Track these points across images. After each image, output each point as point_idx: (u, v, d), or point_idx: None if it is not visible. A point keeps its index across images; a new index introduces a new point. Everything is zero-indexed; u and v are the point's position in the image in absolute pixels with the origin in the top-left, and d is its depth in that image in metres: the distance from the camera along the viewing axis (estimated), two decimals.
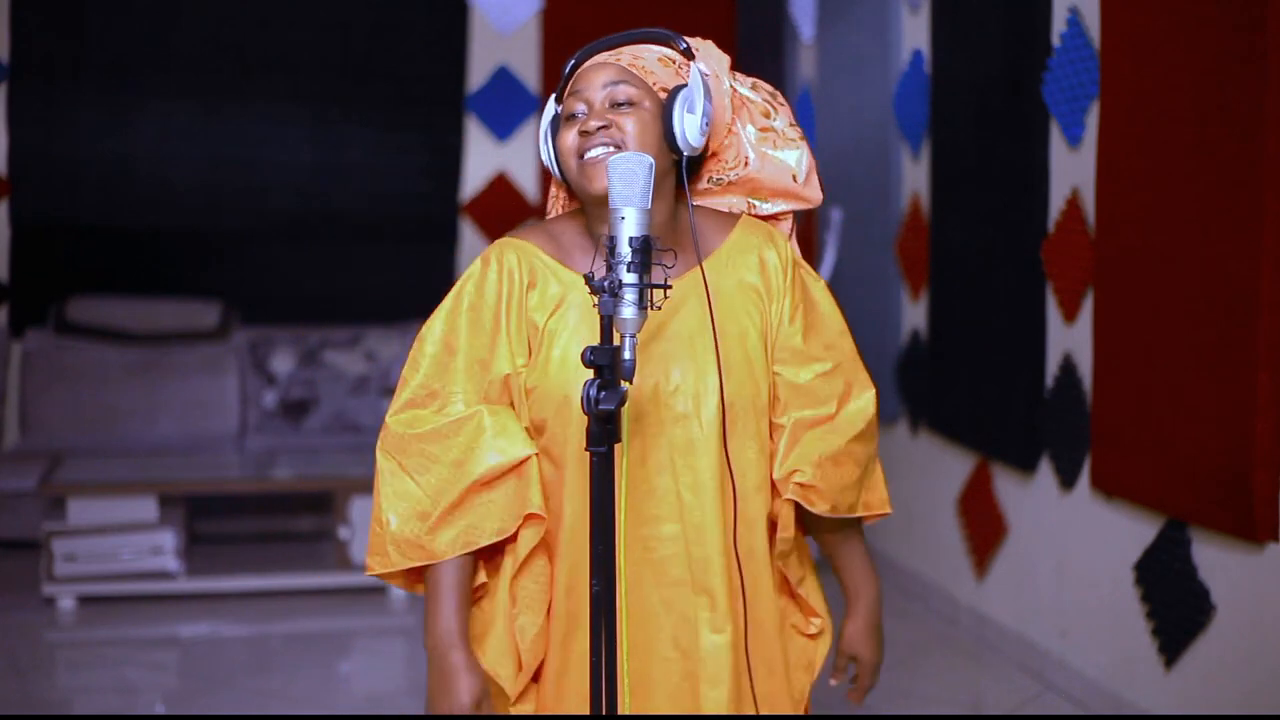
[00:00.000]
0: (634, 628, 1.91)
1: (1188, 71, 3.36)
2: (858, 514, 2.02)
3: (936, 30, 4.84)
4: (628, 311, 1.71)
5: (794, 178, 2.03)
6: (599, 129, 1.88)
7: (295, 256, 6.59)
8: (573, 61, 1.97)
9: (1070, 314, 3.98)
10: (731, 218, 2.01)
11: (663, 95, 1.92)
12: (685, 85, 1.91)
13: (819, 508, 1.94)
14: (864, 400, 2.01)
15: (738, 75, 2.06)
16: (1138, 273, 3.60)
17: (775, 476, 1.95)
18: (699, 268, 1.90)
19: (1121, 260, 3.68)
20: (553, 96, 2.00)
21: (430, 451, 1.88)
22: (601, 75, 1.92)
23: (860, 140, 5.53)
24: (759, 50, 6.54)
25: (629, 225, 1.73)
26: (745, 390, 1.92)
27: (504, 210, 6.72)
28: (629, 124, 1.88)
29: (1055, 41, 3.99)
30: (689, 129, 1.88)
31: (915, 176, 5.08)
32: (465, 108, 6.68)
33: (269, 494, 5.56)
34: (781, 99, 2.08)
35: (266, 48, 6.47)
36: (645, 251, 1.72)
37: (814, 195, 2.06)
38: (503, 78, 6.69)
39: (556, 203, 2.12)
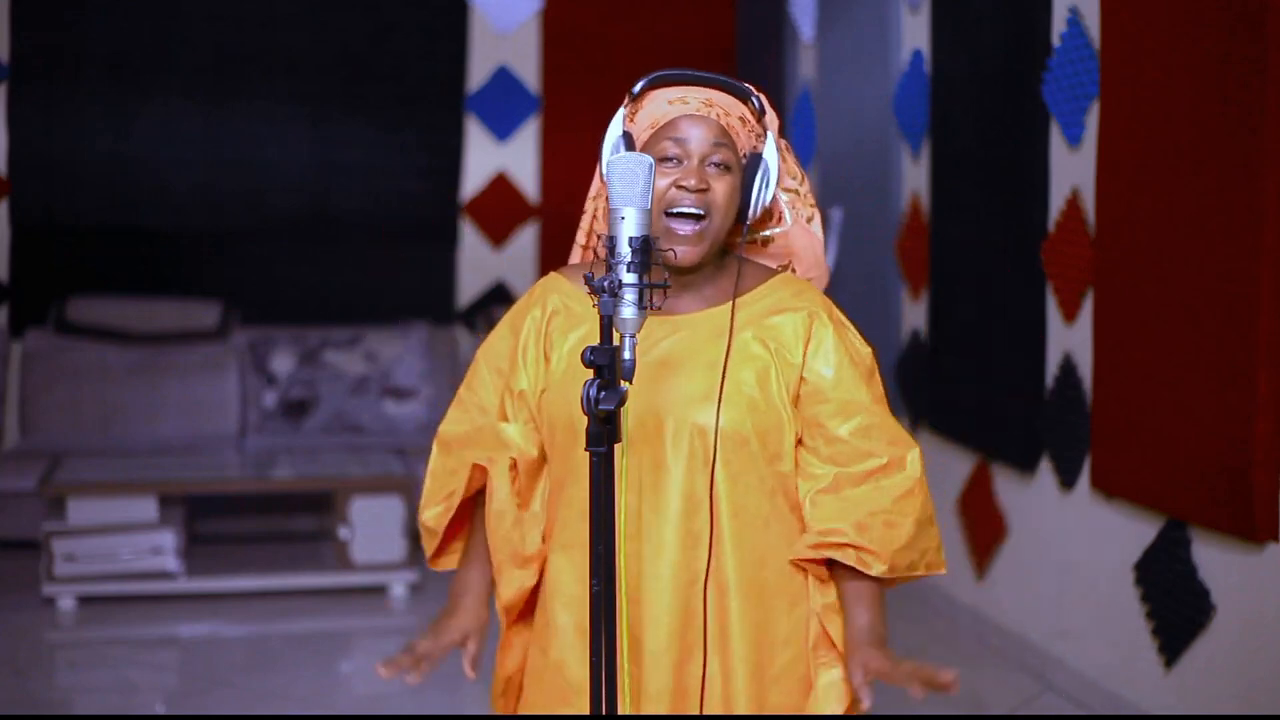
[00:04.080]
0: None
1: (1188, 71, 3.36)
2: (917, 574, 1.95)
3: (936, 30, 4.84)
4: (627, 311, 1.72)
5: (822, 243, 2.12)
6: (696, 190, 1.91)
7: (295, 256, 6.59)
8: (650, 79, 1.96)
9: (1070, 314, 3.98)
10: (770, 270, 2.05)
11: (743, 160, 1.96)
12: (761, 155, 1.96)
13: (875, 569, 1.89)
14: (911, 456, 1.97)
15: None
16: (1138, 273, 3.60)
17: (811, 528, 1.93)
18: (730, 304, 1.95)
19: (1121, 260, 3.68)
20: (621, 112, 1.99)
21: (459, 455, 2.05)
22: (704, 131, 1.92)
23: (860, 140, 5.53)
24: (759, 50, 6.54)
25: (629, 225, 1.73)
26: (747, 425, 1.91)
27: (504, 210, 6.73)
28: (721, 189, 1.92)
29: (1055, 41, 3.99)
30: (764, 198, 1.97)
31: (915, 176, 5.08)
32: (465, 108, 6.67)
33: (269, 494, 5.56)
34: (799, 164, 2.12)
35: (267, 48, 6.47)
36: (645, 251, 1.73)
37: (823, 278, 2.13)
38: (503, 78, 6.69)
39: (597, 211, 2.11)
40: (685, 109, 1.93)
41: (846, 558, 1.89)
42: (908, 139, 5.11)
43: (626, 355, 1.72)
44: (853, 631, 1.90)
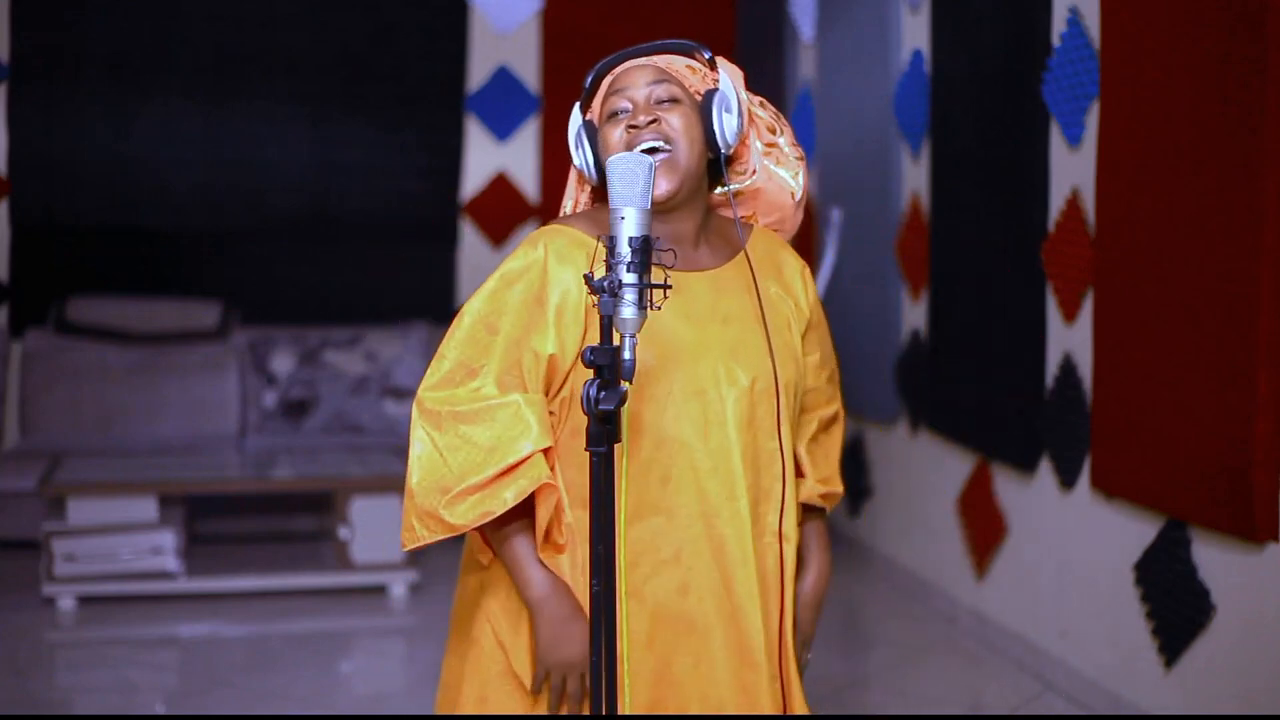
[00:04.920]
0: (693, 604, 1.96)
1: (1188, 71, 3.36)
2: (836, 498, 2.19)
3: (936, 30, 4.84)
4: (628, 311, 1.72)
5: (792, 195, 2.14)
6: (649, 123, 1.96)
7: (295, 256, 6.59)
8: (594, 71, 2.05)
9: (1070, 314, 3.98)
10: (747, 225, 2.14)
11: (697, 97, 2.01)
12: (717, 89, 2.01)
13: (829, 507, 2.17)
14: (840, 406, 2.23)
15: (747, 92, 2.12)
16: (1138, 273, 3.60)
17: (809, 479, 2.12)
18: (744, 255, 2.03)
19: (1121, 260, 3.68)
20: (577, 107, 2.06)
21: (465, 433, 1.90)
22: (643, 75, 2.00)
23: (860, 140, 5.54)
24: (759, 50, 6.54)
25: (629, 225, 1.74)
26: (791, 374, 2.03)
27: (504, 210, 6.73)
28: (675, 119, 1.97)
29: (1055, 41, 3.99)
30: (728, 127, 1.99)
31: (915, 176, 5.08)
32: (465, 108, 6.68)
33: (269, 494, 5.56)
34: (785, 121, 2.16)
35: (267, 47, 6.47)
36: (645, 251, 1.73)
37: (796, 223, 2.18)
38: (503, 78, 6.69)
39: (576, 205, 2.15)
40: (624, 66, 2.02)
41: (830, 503, 2.16)
42: (908, 139, 5.11)
43: (626, 355, 1.72)
44: (813, 578, 2.14)
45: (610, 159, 1.77)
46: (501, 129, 6.70)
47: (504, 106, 6.69)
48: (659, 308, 1.80)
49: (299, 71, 6.50)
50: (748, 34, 6.68)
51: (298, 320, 6.44)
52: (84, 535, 4.95)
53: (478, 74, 6.69)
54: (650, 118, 1.96)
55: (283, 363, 6.26)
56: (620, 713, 1.80)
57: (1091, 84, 3.81)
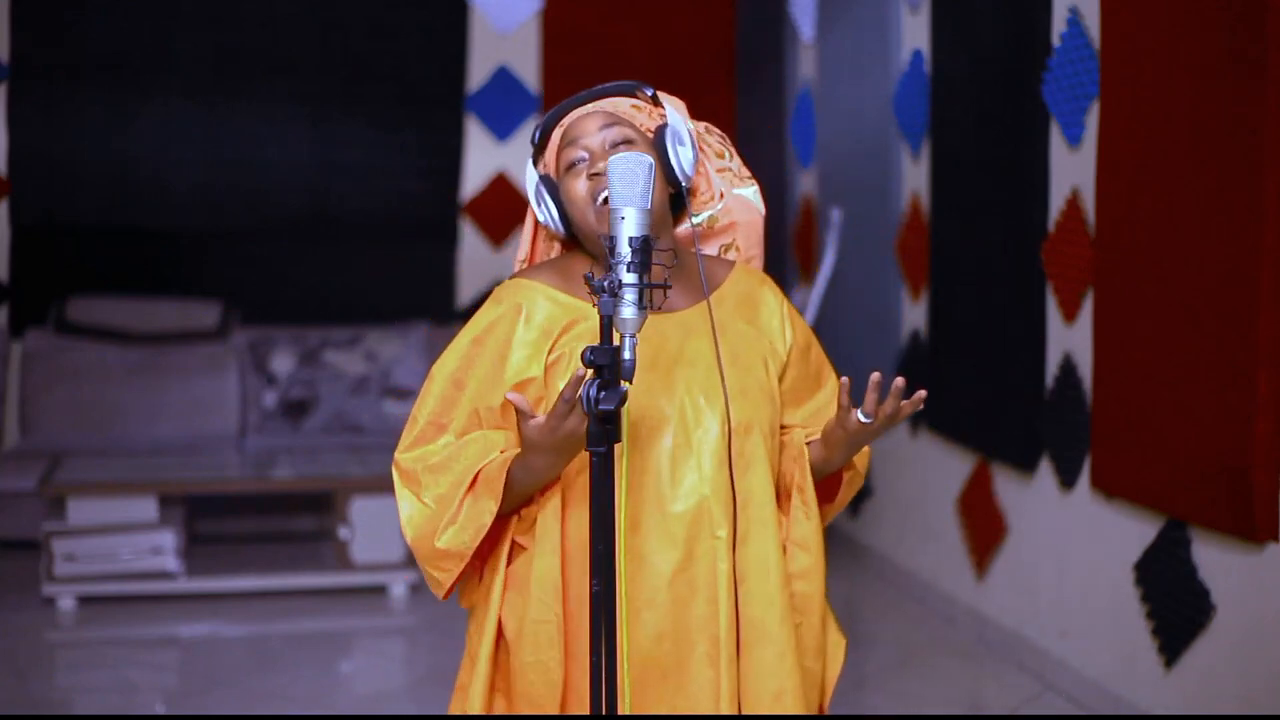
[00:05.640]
0: (667, 651, 1.94)
1: (1188, 71, 3.36)
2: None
3: (936, 30, 4.84)
4: (627, 311, 1.72)
5: (760, 214, 2.16)
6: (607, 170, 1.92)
7: (295, 256, 6.59)
8: (541, 126, 2.06)
9: (1070, 314, 3.98)
10: (728, 262, 2.13)
11: (649, 135, 2.01)
12: (666, 124, 2.01)
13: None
14: None
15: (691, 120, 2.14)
16: (1138, 273, 3.60)
17: (789, 446, 2.07)
18: (707, 301, 1.99)
19: (1121, 260, 3.68)
20: (529, 163, 2.08)
21: (441, 479, 1.94)
22: (594, 121, 2.00)
23: (860, 140, 5.54)
24: (759, 50, 6.54)
25: (629, 225, 1.74)
26: (763, 414, 1.99)
27: (504, 210, 6.72)
28: None
29: (1055, 41, 3.99)
30: (684, 159, 2.00)
31: (915, 176, 5.08)
32: (465, 108, 6.67)
33: (269, 494, 5.56)
34: (730, 143, 2.18)
35: (267, 48, 6.47)
36: (645, 251, 1.73)
37: (761, 244, 2.19)
38: (503, 78, 6.69)
39: (534, 252, 2.16)
40: (572, 117, 2.02)
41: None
42: (908, 139, 5.11)
43: (626, 355, 1.72)
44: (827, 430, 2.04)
45: (611, 159, 1.77)
46: (501, 129, 6.70)
47: (504, 106, 6.69)
48: (658, 307, 1.80)
49: (299, 71, 6.50)
50: (748, 34, 6.68)
51: (298, 320, 6.43)
52: (84, 535, 4.95)
53: (478, 74, 6.69)
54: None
55: (283, 363, 6.26)
56: (620, 713, 1.80)
57: (1091, 84, 3.81)
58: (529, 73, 6.70)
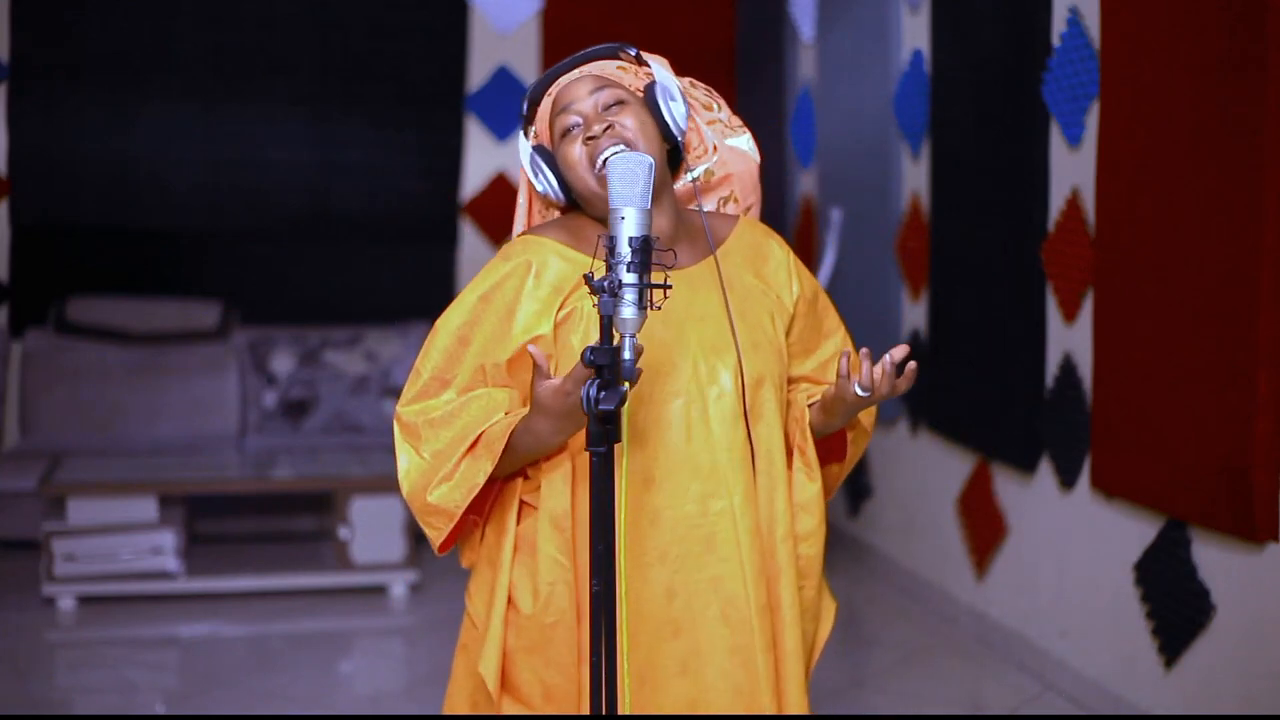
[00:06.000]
0: (679, 608, 1.94)
1: (1188, 71, 3.36)
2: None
3: (936, 30, 4.84)
4: (628, 311, 1.72)
5: (756, 162, 2.17)
6: (604, 130, 1.95)
7: (295, 256, 6.59)
8: (528, 95, 2.06)
9: (1070, 314, 3.98)
10: (732, 218, 2.12)
11: (639, 94, 2.02)
12: (654, 81, 2.02)
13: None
14: None
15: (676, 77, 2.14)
16: (1138, 273, 3.60)
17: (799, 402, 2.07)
18: (714, 257, 2.01)
19: (1121, 260, 3.68)
20: (521, 135, 2.09)
21: (441, 434, 1.94)
22: (583, 86, 2.00)
23: (860, 140, 5.53)
24: (759, 50, 6.54)
25: (629, 225, 1.74)
26: (773, 368, 2.00)
27: (504, 210, 6.71)
28: (628, 120, 1.97)
29: (1055, 41, 3.99)
30: (677, 114, 2.01)
31: (915, 176, 5.08)
32: (465, 108, 6.67)
33: (269, 494, 5.56)
34: (716, 94, 2.18)
35: (266, 48, 6.47)
36: (645, 251, 1.73)
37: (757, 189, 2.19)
38: (503, 78, 6.69)
39: (534, 222, 2.16)
40: (561, 84, 2.02)
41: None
42: (908, 139, 5.11)
43: (626, 355, 1.72)
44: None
45: (611, 159, 1.78)
46: (501, 129, 6.70)
47: (504, 106, 6.69)
48: (659, 307, 1.80)
49: (299, 71, 6.50)
50: (748, 34, 6.67)
51: (298, 320, 6.43)
52: (84, 535, 4.95)
53: (478, 74, 6.69)
54: (604, 124, 1.96)
55: (283, 363, 6.26)
56: (621, 713, 1.80)
57: (1091, 84, 3.81)
58: (529, 73, 6.70)
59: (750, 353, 1.97)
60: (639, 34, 6.79)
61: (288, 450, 5.90)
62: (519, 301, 1.96)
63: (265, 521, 5.77)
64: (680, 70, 2.13)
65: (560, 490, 1.94)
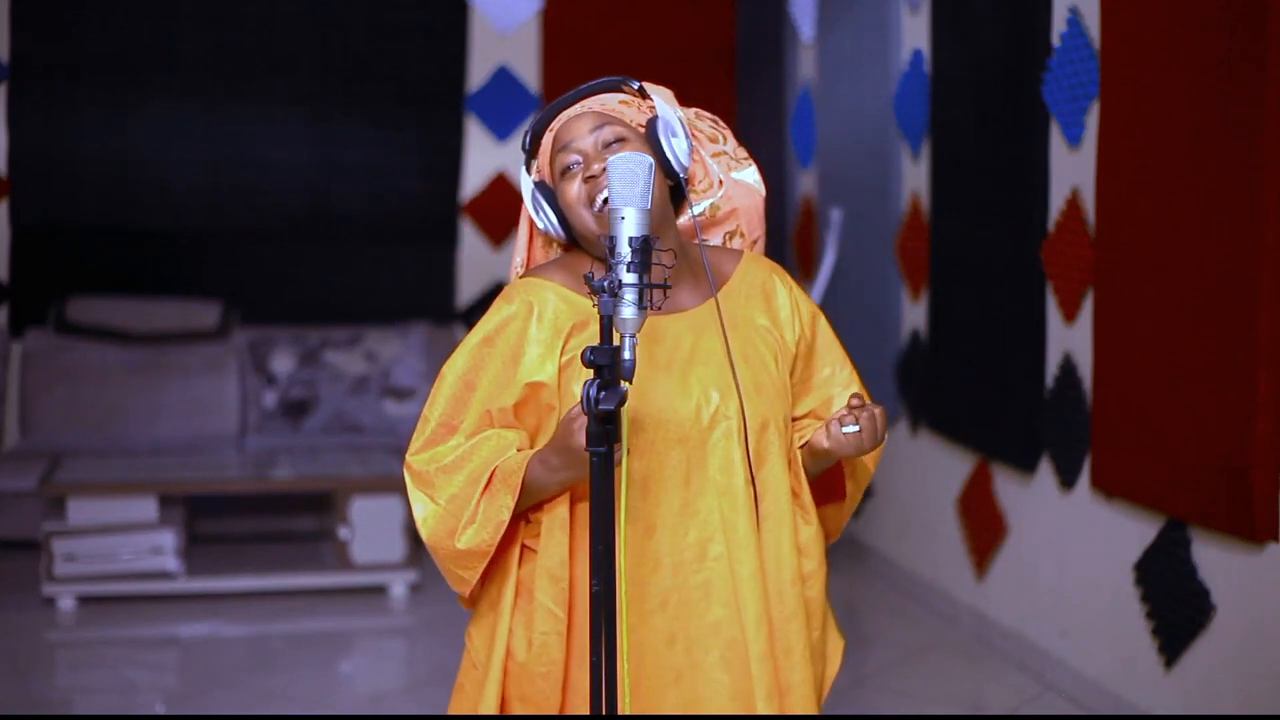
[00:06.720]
0: (679, 654, 1.93)
1: (1188, 71, 3.36)
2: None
3: (936, 30, 4.84)
4: (627, 311, 1.72)
5: (761, 196, 2.13)
6: (604, 170, 1.91)
7: (295, 256, 6.59)
8: (530, 131, 2.03)
9: (1070, 314, 3.98)
10: (736, 253, 2.09)
11: (640, 130, 1.98)
12: (656, 116, 1.98)
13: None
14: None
15: (680, 107, 2.12)
16: (1138, 273, 3.60)
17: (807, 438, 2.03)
18: (719, 293, 1.98)
19: (1121, 260, 3.68)
20: (523, 169, 2.06)
21: (454, 479, 1.93)
22: (584, 123, 1.97)
23: (860, 140, 5.53)
24: (759, 50, 6.54)
25: (629, 225, 1.73)
26: (777, 410, 1.97)
27: (504, 210, 6.72)
28: None
29: (1055, 41, 3.99)
30: (679, 150, 1.97)
31: (915, 176, 5.08)
32: (465, 108, 6.67)
33: (269, 494, 5.56)
34: (723, 124, 2.15)
35: (266, 48, 6.47)
36: (645, 251, 1.73)
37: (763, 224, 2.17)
38: (503, 78, 6.69)
39: (530, 257, 2.14)
40: (562, 120, 1.99)
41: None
42: (908, 139, 5.11)
43: (626, 355, 1.72)
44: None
45: (610, 159, 1.77)
46: (501, 129, 6.70)
47: (504, 106, 6.69)
48: (658, 307, 1.80)
49: (299, 71, 6.50)
50: (748, 34, 6.67)
51: (298, 320, 6.43)
52: (84, 535, 4.95)
53: (478, 74, 6.69)
54: (603, 164, 1.91)
55: (283, 363, 6.26)
56: (621, 713, 1.80)
57: (1091, 84, 3.81)
58: (529, 73, 6.70)
59: (753, 396, 1.94)
60: (639, 34, 6.82)
61: (288, 450, 5.90)
62: (523, 346, 1.94)
63: (265, 521, 5.77)
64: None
65: (559, 541, 1.93)
